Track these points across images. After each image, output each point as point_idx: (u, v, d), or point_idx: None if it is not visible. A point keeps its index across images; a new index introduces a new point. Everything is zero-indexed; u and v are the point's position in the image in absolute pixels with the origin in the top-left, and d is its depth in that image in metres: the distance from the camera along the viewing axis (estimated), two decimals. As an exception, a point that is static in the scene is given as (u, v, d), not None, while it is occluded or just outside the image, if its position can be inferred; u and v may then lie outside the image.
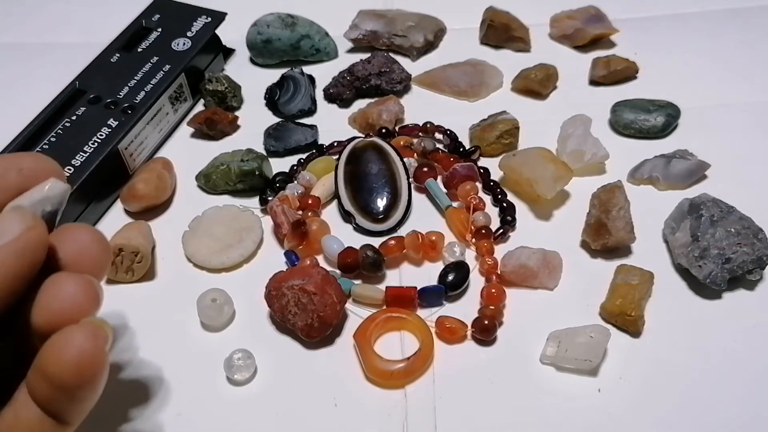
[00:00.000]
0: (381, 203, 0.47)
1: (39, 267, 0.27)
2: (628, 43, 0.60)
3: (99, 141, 0.47)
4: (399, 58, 0.58)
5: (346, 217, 0.47)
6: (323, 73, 0.57)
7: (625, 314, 0.40)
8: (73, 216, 0.45)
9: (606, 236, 0.43)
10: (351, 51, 0.61)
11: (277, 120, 0.54)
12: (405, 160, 0.49)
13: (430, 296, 0.42)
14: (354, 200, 0.47)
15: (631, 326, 0.40)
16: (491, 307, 0.41)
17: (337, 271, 0.43)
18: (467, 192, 0.46)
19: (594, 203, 0.44)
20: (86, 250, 0.29)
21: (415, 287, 0.41)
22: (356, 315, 0.41)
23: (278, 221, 0.45)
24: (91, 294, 0.27)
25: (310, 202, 0.47)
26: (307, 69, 0.58)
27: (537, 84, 0.55)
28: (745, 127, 0.53)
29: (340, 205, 0.47)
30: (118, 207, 0.48)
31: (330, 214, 0.48)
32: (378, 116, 0.52)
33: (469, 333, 0.40)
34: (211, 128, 0.52)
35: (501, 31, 0.60)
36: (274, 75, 0.57)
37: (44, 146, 0.46)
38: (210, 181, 0.49)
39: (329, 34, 0.60)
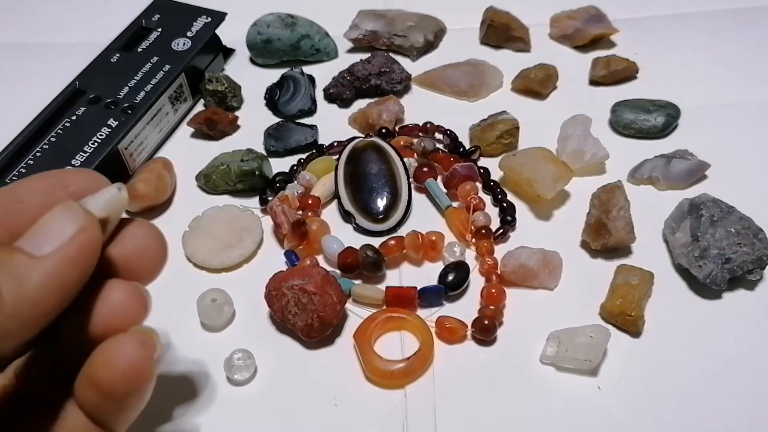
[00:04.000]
0: (381, 203, 0.47)
1: (92, 271, 0.25)
2: (628, 43, 0.60)
3: (99, 141, 0.47)
4: (399, 58, 0.58)
5: (346, 217, 0.47)
6: (323, 73, 0.57)
7: (625, 314, 0.40)
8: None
9: (606, 236, 0.43)
10: (351, 51, 0.61)
11: (277, 120, 0.54)
12: (405, 160, 0.49)
13: (430, 296, 0.41)
14: (354, 200, 0.47)
15: (631, 326, 0.40)
16: (491, 307, 0.41)
17: (337, 271, 0.43)
18: (467, 192, 0.46)
19: (594, 203, 0.44)
20: (146, 248, 0.28)
21: (415, 287, 0.41)
22: (356, 315, 0.41)
23: (278, 221, 0.45)
24: (140, 302, 0.26)
25: (310, 202, 0.47)
26: (307, 69, 0.58)
27: (537, 84, 0.55)
28: (745, 127, 0.53)
29: (340, 205, 0.47)
30: (118, 207, 0.48)
31: (330, 214, 0.48)
32: (378, 116, 0.52)
33: (469, 333, 0.40)
34: (211, 128, 0.52)
35: (501, 31, 0.60)
36: (274, 75, 0.57)
37: (44, 146, 0.46)
38: (210, 181, 0.48)
39: (329, 34, 0.60)
